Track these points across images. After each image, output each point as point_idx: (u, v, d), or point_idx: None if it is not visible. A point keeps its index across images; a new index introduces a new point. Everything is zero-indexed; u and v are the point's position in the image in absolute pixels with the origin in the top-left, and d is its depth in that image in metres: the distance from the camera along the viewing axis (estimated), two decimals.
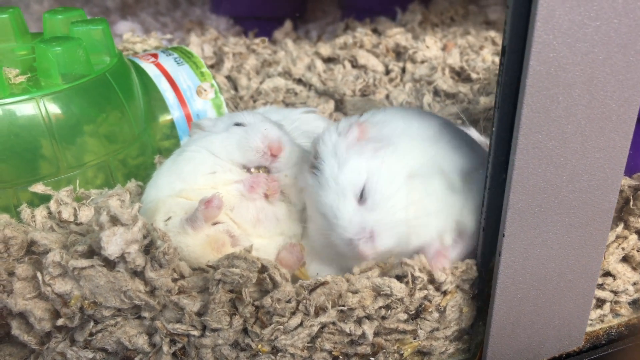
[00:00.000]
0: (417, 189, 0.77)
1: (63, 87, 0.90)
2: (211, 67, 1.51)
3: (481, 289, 0.81)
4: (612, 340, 0.90)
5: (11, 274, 0.75)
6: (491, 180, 0.73)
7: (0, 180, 0.86)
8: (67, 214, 0.84)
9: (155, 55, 1.17)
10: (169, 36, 1.48)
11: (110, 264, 0.73)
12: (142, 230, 0.71)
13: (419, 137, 0.80)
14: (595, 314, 0.90)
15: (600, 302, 0.90)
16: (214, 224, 0.81)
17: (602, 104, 0.68)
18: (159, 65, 1.14)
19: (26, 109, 0.87)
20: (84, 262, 0.71)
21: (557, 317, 0.82)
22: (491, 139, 0.72)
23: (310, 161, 0.82)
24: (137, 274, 0.73)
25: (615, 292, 0.89)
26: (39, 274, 0.72)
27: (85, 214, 0.85)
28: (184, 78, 1.14)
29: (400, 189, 0.75)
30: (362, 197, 0.75)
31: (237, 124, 0.88)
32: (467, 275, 0.79)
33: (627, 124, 0.70)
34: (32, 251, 0.79)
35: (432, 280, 0.78)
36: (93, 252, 0.73)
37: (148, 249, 0.73)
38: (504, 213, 0.72)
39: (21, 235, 0.77)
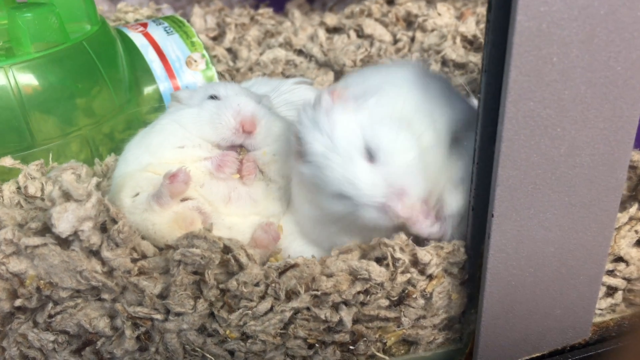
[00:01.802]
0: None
1: (34, 56, 0.86)
2: (214, 39, 1.45)
3: (472, 274, 0.74)
4: (625, 332, 0.82)
5: None
6: (479, 153, 0.66)
7: None
8: (33, 189, 0.80)
9: (144, 25, 1.12)
10: (164, 5, 1.43)
11: (65, 243, 0.68)
12: (96, 206, 0.66)
13: (404, 84, 0.72)
14: (605, 302, 0.81)
15: (611, 290, 0.81)
16: (183, 200, 0.76)
17: (605, 66, 0.59)
18: (147, 35, 1.09)
19: None
20: (36, 240, 0.66)
21: (558, 306, 0.74)
22: (479, 107, 0.64)
23: (296, 150, 0.74)
24: (94, 253, 0.68)
25: (628, 280, 0.81)
26: None
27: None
28: (172, 48, 1.09)
29: (400, 129, 0.68)
30: (369, 156, 0.67)
31: (211, 97, 0.82)
32: (454, 257, 0.72)
33: (636, 90, 0.61)
34: None
35: (415, 262, 0.72)
36: (48, 229, 0.68)
37: (105, 227, 0.69)
38: (492, 190, 0.65)
39: None
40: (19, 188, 0.83)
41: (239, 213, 0.78)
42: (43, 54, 0.86)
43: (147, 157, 0.79)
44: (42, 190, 0.81)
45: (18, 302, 0.70)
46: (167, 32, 1.10)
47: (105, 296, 0.70)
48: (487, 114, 0.63)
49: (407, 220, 0.68)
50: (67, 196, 0.66)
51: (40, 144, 0.88)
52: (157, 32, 1.10)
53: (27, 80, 0.85)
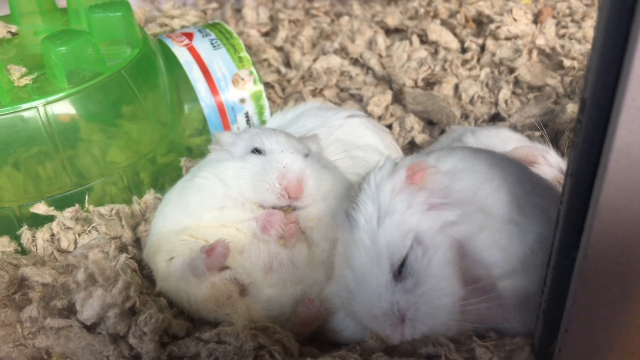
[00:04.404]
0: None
1: (69, 92, 0.80)
2: (265, 34, 1.36)
3: None
4: None
5: None
6: (557, 260, 0.56)
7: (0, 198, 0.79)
8: (66, 243, 0.76)
9: (190, 36, 1.04)
10: (214, 5, 1.33)
11: (92, 325, 0.64)
12: (123, 292, 0.61)
13: (499, 213, 0.61)
14: None
15: None
16: (221, 269, 0.70)
17: None
18: (192, 50, 1.01)
19: (26, 117, 0.78)
20: (61, 322, 0.62)
21: None
22: (560, 213, 0.54)
23: (350, 199, 0.66)
24: (121, 337, 0.63)
25: None
26: (18, 326, 0.65)
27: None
28: (219, 65, 1.01)
29: (455, 269, 0.59)
30: (401, 272, 0.59)
31: (255, 150, 0.74)
32: (517, 357, 0.64)
33: None
34: (26, 285, 0.73)
35: None
36: (74, 308, 0.64)
37: (134, 309, 0.64)
38: (568, 306, 0.56)
39: (9, 273, 0.70)
40: (53, 235, 0.79)
41: (279, 283, 0.71)
42: (78, 89, 0.81)
43: (185, 218, 0.73)
44: (76, 243, 0.77)
45: None
46: (214, 46, 1.02)
47: None
48: (570, 221, 0.53)
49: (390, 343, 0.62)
50: (92, 279, 0.61)
51: (77, 185, 0.83)
52: (202, 45, 1.02)
53: (62, 117, 0.80)
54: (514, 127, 0.96)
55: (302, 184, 0.70)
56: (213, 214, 0.72)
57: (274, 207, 0.73)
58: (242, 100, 1.00)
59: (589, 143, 0.49)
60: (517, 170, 0.65)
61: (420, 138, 1.02)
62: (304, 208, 0.73)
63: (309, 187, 0.71)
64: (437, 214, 0.60)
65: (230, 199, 0.72)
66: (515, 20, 1.18)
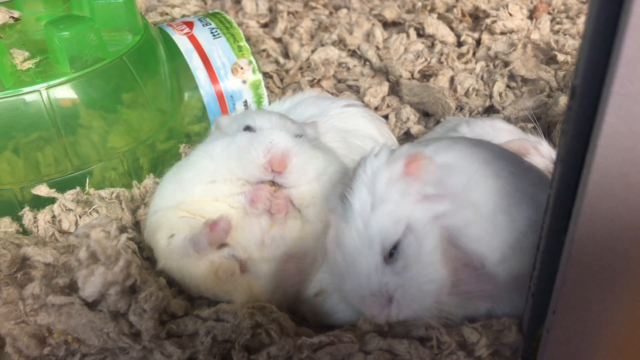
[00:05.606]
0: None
1: (71, 77, 0.81)
2: (264, 25, 1.37)
3: (526, 357, 0.67)
4: None
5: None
6: (546, 243, 0.58)
7: (1, 180, 0.80)
8: (67, 224, 0.77)
9: (190, 25, 1.05)
10: None
11: (93, 302, 0.65)
12: (124, 270, 0.62)
13: (490, 208, 0.62)
14: None
15: None
16: (219, 247, 0.72)
17: None
18: (192, 38, 1.03)
19: (28, 100, 0.79)
20: (63, 299, 0.64)
21: None
22: (549, 197, 0.56)
23: (345, 184, 0.68)
24: (121, 314, 0.65)
25: None
26: (20, 304, 0.66)
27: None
28: (218, 54, 1.02)
29: (444, 258, 0.61)
30: (392, 255, 0.61)
31: (246, 128, 0.76)
32: (506, 338, 0.66)
33: None
34: (28, 265, 0.74)
35: (463, 343, 0.66)
36: (75, 286, 0.66)
37: (134, 288, 0.65)
38: (556, 288, 0.58)
39: (12, 252, 0.71)
40: (54, 217, 0.80)
41: (273, 258, 0.73)
42: (80, 74, 0.82)
43: (180, 193, 0.75)
44: (77, 224, 0.78)
45: (46, 351, 0.69)
46: (214, 35, 1.04)
47: (134, 354, 0.67)
48: (559, 206, 0.55)
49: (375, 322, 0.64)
50: (94, 257, 0.63)
51: (77, 168, 0.84)
52: (203, 34, 1.04)
53: (62, 102, 0.81)
54: (507, 119, 0.98)
55: (287, 159, 0.72)
56: (204, 187, 0.74)
57: (259, 184, 0.74)
58: (243, 83, 1.02)
59: (578, 129, 0.50)
60: (510, 164, 0.67)
61: (415, 129, 1.04)
62: (296, 187, 0.74)
63: (293, 164, 0.72)
64: (430, 205, 0.61)
65: (220, 175, 0.74)
66: (511, 15, 1.20)
